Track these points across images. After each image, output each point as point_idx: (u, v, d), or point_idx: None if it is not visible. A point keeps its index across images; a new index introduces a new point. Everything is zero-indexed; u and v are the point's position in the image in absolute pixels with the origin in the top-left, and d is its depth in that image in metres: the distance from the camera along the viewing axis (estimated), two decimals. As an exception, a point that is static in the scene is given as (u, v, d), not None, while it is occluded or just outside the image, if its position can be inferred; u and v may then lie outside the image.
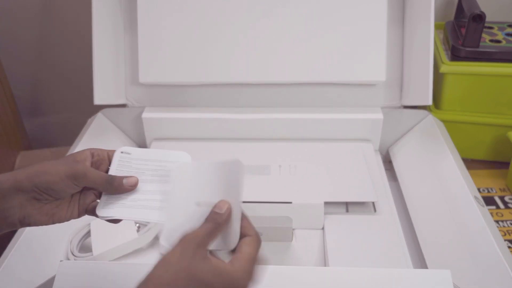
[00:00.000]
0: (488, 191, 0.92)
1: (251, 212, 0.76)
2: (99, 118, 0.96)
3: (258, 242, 0.44)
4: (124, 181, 0.49)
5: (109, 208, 0.49)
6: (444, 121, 0.93)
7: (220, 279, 0.40)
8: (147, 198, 0.49)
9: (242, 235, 0.44)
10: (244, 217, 0.46)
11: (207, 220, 0.44)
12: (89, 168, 0.48)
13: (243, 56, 0.90)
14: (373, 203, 0.80)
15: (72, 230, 0.73)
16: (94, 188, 0.50)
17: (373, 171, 0.86)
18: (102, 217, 0.49)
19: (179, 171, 0.49)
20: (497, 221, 0.84)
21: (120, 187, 0.49)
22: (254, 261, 0.42)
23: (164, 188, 0.50)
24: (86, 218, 0.52)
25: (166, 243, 0.44)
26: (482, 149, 0.99)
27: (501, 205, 0.88)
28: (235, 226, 0.44)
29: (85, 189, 0.50)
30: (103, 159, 0.51)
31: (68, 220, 0.49)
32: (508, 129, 0.94)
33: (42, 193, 0.46)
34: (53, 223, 0.48)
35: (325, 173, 0.85)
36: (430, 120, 0.92)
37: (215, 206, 0.45)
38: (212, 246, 0.43)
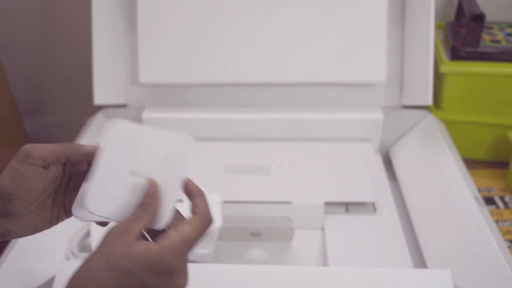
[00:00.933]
0: (488, 191, 0.92)
1: (251, 212, 0.77)
2: (99, 118, 0.96)
3: (203, 223, 0.40)
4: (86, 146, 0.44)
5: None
6: (444, 121, 0.93)
7: (142, 261, 0.37)
8: None
9: (191, 213, 0.42)
10: (197, 195, 0.43)
11: (138, 206, 0.41)
12: (35, 145, 0.43)
13: (243, 56, 0.90)
14: (373, 203, 0.80)
15: (72, 230, 0.73)
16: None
17: (373, 171, 0.86)
18: (79, 218, 0.45)
19: (118, 132, 0.44)
20: (497, 221, 0.84)
21: (81, 149, 0.44)
22: (190, 241, 0.39)
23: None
24: (86, 218, 0.52)
25: (91, 207, 0.42)
26: (482, 149, 0.99)
27: (501, 205, 0.88)
28: (167, 205, 0.42)
29: (69, 187, 0.46)
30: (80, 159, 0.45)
31: (56, 224, 0.46)
32: (508, 129, 0.94)
33: (11, 201, 0.41)
34: (38, 232, 0.45)
35: (325, 173, 0.85)
36: (430, 120, 0.92)
37: (146, 189, 0.42)
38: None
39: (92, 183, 0.43)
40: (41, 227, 0.45)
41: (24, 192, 0.42)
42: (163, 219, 0.42)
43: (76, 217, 0.45)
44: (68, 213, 0.47)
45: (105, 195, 0.43)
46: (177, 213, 0.43)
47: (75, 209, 0.45)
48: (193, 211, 0.42)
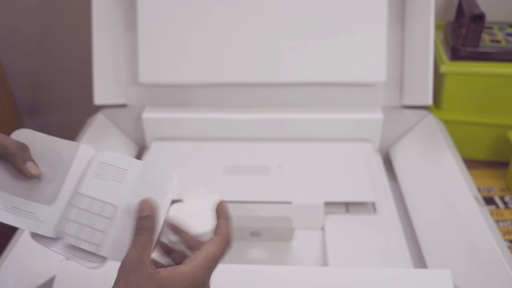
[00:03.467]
0: (488, 191, 0.92)
1: (251, 212, 0.77)
2: (99, 118, 0.96)
3: (225, 243, 0.43)
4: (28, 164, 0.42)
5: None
6: (444, 121, 0.93)
7: (179, 285, 0.38)
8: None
9: (213, 234, 0.44)
10: (221, 217, 0.45)
11: (136, 232, 0.40)
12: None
13: (243, 56, 0.90)
14: (373, 203, 0.80)
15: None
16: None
17: (373, 171, 0.86)
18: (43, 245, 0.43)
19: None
20: (497, 221, 0.84)
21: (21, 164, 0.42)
22: (215, 258, 0.41)
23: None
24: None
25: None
26: (482, 149, 0.99)
27: (501, 205, 0.88)
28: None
29: None
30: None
31: None
32: (508, 129, 0.94)
33: None
34: None
35: (325, 173, 0.85)
36: (430, 120, 0.92)
37: (138, 211, 0.41)
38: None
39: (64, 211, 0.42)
40: None
41: None
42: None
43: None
44: None
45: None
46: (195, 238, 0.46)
47: (35, 236, 0.43)
48: (216, 231, 0.44)
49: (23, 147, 0.43)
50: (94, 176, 0.43)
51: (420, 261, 0.72)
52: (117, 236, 0.42)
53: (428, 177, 0.83)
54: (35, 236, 0.43)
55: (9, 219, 0.41)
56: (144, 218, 0.41)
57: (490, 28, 1.00)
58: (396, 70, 0.93)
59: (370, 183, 0.81)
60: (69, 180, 0.43)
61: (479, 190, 0.86)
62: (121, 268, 0.39)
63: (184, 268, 0.39)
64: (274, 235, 0.75)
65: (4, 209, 0.42)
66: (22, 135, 0.44)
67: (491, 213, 0.82)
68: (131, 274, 0.38)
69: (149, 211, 0.41)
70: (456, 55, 0.92)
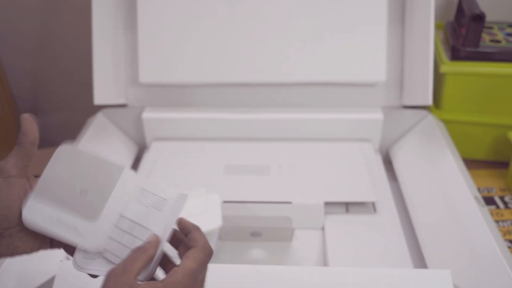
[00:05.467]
0: (488, 191, 0.92)
1: (251, 212, 0.77)
2: (99, 118, 0.96)
3: (203, 254, 0.42)
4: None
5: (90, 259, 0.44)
6: (444, 121, 0.93)
7: None
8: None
9: (188, 247, 0.43)
10: (193, 230, 0.44)
11: (135, 249, 0.42)
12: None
13: (243, 56, 0.90)
14: (373, 203, 0.80)
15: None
16: None
17: (373, 171, 0.86)
18: (82, 270, 0.44)
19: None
20: (497, 221, 0.84)
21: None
22: (193, 273, 0.40)
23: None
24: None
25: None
26: (482, 149, 0.99)
27: (501, 205, 0.88)
28: (157, 259, 0.43)
29: None
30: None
31: (36, 252, 0.44)
32: (508, 129, 0.94)
33: None
34: (17, 255, 0.43)
35: (325, 173, 0.85)
36: (430, 120, 0.92)
37: (148, 240, 0.43)
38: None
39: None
40: (20, 251, 0.44)
41: (3, 208, 0.42)
42: (153, 271, 0.43)
43: (81, 270, 0.44)
44: (53, 244, 0.45)
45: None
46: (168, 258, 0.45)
47: (79, 261, 0.44)
48: (191, 245, 0.43)
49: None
50: (137, 202, 0.46)
51: (420, 261, 0.72)
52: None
53: (428, 177, 0.83)
54: (75, 265, 0.44)
55: (51, 230, 0.43)
56: (150, 245, 0.42)
57: (490, 28, 1.00)
58: (396, 70, 0.93)
59: (370, 183, 0.81)
60: (112, 201, 0.45)
61: (479, 190, 0.86)
62: (108, 273, 0.40)
63: (158, 284, 0.39)
64: (274, 235, 0.76)
65: (49, 219, 0.44)
66: (64, 151, 0.47)
67: (491, 213, 0.82)
68: (113, 279, 0.39)
69: (156, 245, 0.42)
70: (456, 55, 0.92)
